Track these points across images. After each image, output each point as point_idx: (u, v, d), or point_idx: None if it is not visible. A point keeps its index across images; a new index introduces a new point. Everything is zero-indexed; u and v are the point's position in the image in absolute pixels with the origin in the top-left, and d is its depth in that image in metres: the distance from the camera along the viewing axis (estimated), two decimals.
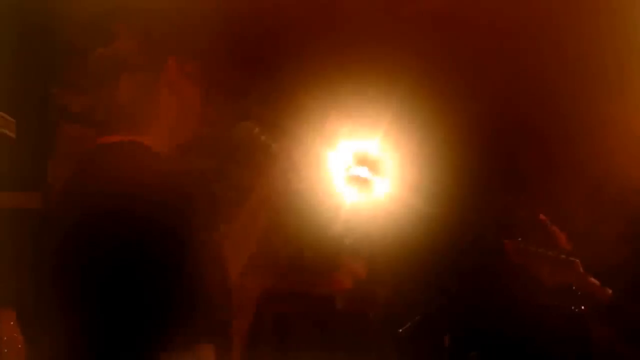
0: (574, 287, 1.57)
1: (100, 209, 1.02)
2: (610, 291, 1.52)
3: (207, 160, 1.69)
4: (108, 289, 0.98)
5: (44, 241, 1.13)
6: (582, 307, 1.61)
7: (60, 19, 1.57)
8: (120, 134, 1.13)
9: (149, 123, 1.14)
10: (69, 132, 1.70)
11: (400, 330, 1.71)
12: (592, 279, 1.52)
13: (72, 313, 1.01)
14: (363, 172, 1.75)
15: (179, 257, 0.98)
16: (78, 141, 1.62)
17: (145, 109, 1.14)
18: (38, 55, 1.69)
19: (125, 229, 0.99)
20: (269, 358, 1.69)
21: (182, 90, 1.19)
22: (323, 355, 1.71)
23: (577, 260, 1.53)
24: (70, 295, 1.03)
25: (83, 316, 1.00)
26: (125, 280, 0.98)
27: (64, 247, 1.07)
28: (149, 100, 1.14)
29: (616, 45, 1.72)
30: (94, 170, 1.10)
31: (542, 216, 1.59)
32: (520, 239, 1.58)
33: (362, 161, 1.75)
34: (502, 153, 1.87)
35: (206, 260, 1.05)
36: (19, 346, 1.55)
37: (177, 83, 1.17)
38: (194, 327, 0.98)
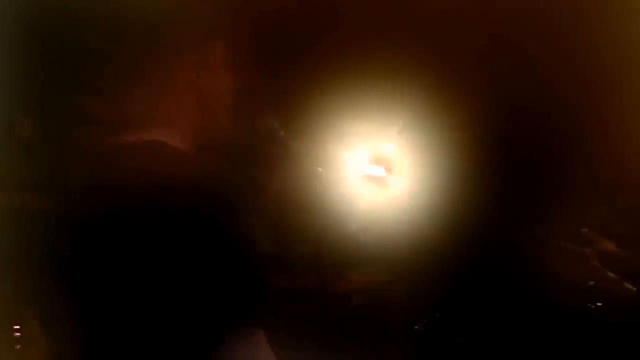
0: (590, 282, 1.59)
1: (124, 209, 1.03)
2: (633, 288, 1.53)
3: (228, 159, 1.70)
4: (147, 289, 1.00)
5: (65, 242, 1.14)
6: (598, 304, 1.63)
7: (77, 19, 1.58)
8: (141, 134, 1.14)
9: (170, 123, 1.15)
10: (89, 134, 1.71)
11: (417, 327, 1.72)
12: (611, 275, 1.53)
13: (105, 315, 1.03)
14: (379, 171, 1.77)
15: (211, 254, 0.99)
16: (98, 142, 1.63)
17: (165, 108, 1.15)
18: (56, 55, 1.70)
19: (149, 228, 1.00)
20: (290, 355, 1.70)
21: (204, 89, 1.20)
22: (340, 353, 1.73)
23: (594, 254, 1.54)
24: (100, 296, 1.05)
25: (127, 316, 1.01)
26: (163, 279, 0.99)
27: (88, 247, 1.08)
28: (170, 100, 1.15)
29: (629, 43, 1.72)
30: (116, 170, 1.10)
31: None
32: (536, 232, 1.59)
33: (379, 160, 1.76)
34: (515, 151, 1.88)
35: (240, 252, 1.06)
36: (42, 346, 1.56)
37: (199, 81, 1.18)
38: (245, 314, 0.99)
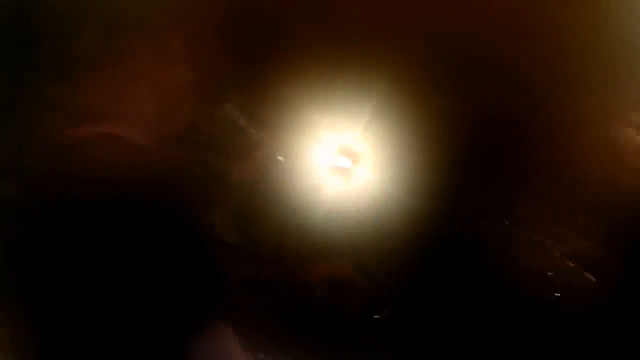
0: (551, 273, 1.60)
1: (83, 201, 1.01)
2: (592, 279, 1.55)
3: (188, 149, 1.69)
4: (106, 281, 0.99)
5: (22, 232, 1.12)
6: (557, 295, 1.64)
7: (37, 6, 1.56)
8: (101, 126, 1.12)
9: (130, 114, 1.14)
10: (47, 124, 1.69)
11: (378, 317, 1.73)
12: (572, 265, 1.55)
13: (62, 307, 1.02)
14: (345, 162, 1.76)
15: (172, 246, 0.98)
16: (57, 133, 1.61)
17: (125, 99, 1.13)
18: (14, 44, 1.68)
19: (108, 220, 1.00)
20: (252, 345, 1.70)
21: (164, 79, 1.19)
22: (304, 343, 1.73)
23: (554, 245, 1.55)
24: (57, 287, 1.04)
25: (86, 308, 1.00)
26: (123, 271, 0.98)
27: (45, 238, 1.07)
28: (129, 90, 1.14)
29: (597, 46, 1.74)
30: (75, 162, 1.09)
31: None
32: (498, 222, 1.60)
33: (345, 152, 1.76)
34: (480, 143, 1.89)
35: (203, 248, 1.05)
36: None
37: (158, 72, 1.17)
38: (210, 309, 0.98)
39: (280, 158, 1.57)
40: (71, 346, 1.00)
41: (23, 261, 1.08)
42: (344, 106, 1.74)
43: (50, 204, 1.09)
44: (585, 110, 1.74)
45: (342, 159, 1.76)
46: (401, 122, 1.77)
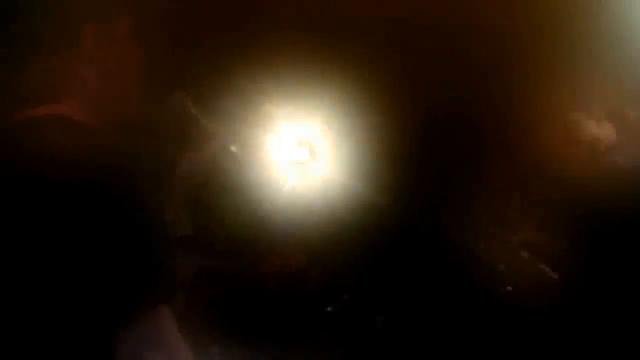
0: (510, 265, 1.62)
1: (26, 185, 0.99)
2: (549, 270, 1.57)
3: (138, 135, 1.66)
4: (49, 268, 0.96)
5: None
6: (513, 286, 1.66)
7: None
8: (47, 108, 1.09)
9: (77, 97, 1.11)
10: None
11: (329, 309, 1.72)
12: (531, 258, 1.56)
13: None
14: (303, 155, 1.75)
15: (117, 234, 0.96)
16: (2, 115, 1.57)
17: (73, 82, 1.10)
18: None
19: (53, 205, 0.97)
20: (204, 337, 1.69)
21: (113, 62, 1.16)
22: (256, 335, 1.72)
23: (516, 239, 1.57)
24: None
25: (25, 294, 0.97)
26: (67, 258, 0.96)
27: None
28: (77, 73, 1.11)
29: (551, 41, 1.75)
30: (19, 145, 1.06)
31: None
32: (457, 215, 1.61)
33: (302, 144, 1.75)
34: (438, 140, 1.89)
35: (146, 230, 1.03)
36: None
37: (107, 54, 1.14)
38: (148, 291, 0.97)
39: (233, 149, 1.55)
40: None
41: None
42: (301, 99, 1.73)
43: None
44: (541, 106, 1.75)
45: (298, 151, 1.75)
46: (360, 115, 1.77)
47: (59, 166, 0.99)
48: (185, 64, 1.67)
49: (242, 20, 1.75)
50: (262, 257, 1.74)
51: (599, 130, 1.76)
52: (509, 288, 1.70)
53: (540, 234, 1.73)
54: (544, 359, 1.68)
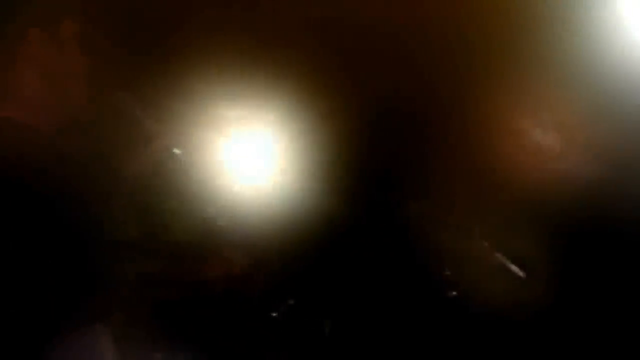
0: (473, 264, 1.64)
1: None
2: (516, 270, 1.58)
3: (81, 138, 1.62)
4: None
5: None
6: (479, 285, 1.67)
7: None
8: None
9: (21, 99, 1.08)
10: None
11: (275, 314, 1.71)
12: (497, 255, 1.58)
13: None
14: (249, 157, 1.74)
15: (58, 240, 0.93)
16: None
17: (16, 84, 1.08)
18: None
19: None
20: (149, 344, 1.66)
21: (57, 65, 1.13)
22: (199, 341, 1.70)
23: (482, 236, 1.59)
24: None
25: None
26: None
27: None
28: (21, 76, 1.08)
29: (507, 45, 1.77)
30: None
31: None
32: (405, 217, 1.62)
33: (249, 146, 1.74)
34: (386, 139, 1.90)
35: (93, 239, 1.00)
36: None
37: (51, 57, 1.12)
38: (88, 308, 0.94)
39: (176, 151, 1.53)
40: None
41: None
42: (247, 99, 1.71)
43: None
44: (489, 109, 1.76)
45: (245, 154, 1.73)
46: (307, 116, 1.75)
47: (5, 167, 0.97)
48: (130, 65, 1.64)
49: (190, 18, 1.73)
50: (207, 261, 1.72)
51: (545, 136, 1.79)
52: (458, 292, 1.71)
53: (510, 234, 1.74)
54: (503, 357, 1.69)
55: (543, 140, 1.77)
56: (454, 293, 1.69)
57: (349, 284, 1.77)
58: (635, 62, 1.73)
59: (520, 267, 1.69)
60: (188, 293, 1.72)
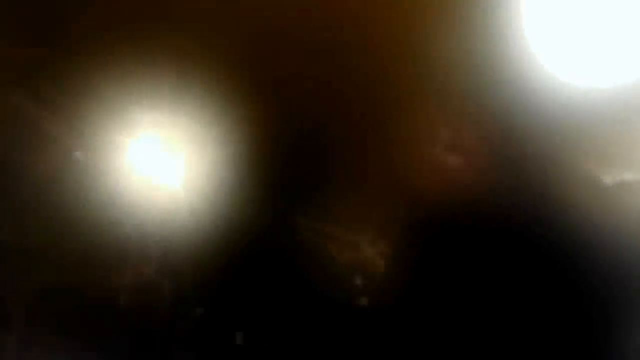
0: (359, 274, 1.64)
1: None
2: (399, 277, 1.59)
3: None
4: None
5: None
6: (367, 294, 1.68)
7: None
8: None
9: None
10: None
11: (183, 326, 1.67)
12: (382, 264, 1.58)
13: None
14: (154, 161, 1.69)
15: None
16: None
17: None
18: None
19: None
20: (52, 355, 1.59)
21: None
22: (105, 354, 1.64)
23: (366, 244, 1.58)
24: None
25: None
26: None
27: None
28: None
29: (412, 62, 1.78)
30: None
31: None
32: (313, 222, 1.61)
33: (155, 151, 1.69)
34: (293, 151, 1.89)
35: None
36: None
37: None
38: None
39: (77, 154, 1.45)
40: None
41: None
42: (158, 101, 1.66)
43: None
44: (395, 131, 1.78)
45: (151, 159, 1.68)
46: (218, 125, 1.72)
47: None
48: (26, 59, 1.56)
49: (96, 9, 1.67)
50: (112, 270, 1.66)
51: (447, 157, 1.82)
52: (366, 294, 1.72)
53: (393, 244, 1.76)
54: None
55: (442, 156, 1.79)
56: (359, 302, 1.70)
57: (260, 294, 1.74)
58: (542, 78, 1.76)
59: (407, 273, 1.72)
60: (92, 303, 1.66)
